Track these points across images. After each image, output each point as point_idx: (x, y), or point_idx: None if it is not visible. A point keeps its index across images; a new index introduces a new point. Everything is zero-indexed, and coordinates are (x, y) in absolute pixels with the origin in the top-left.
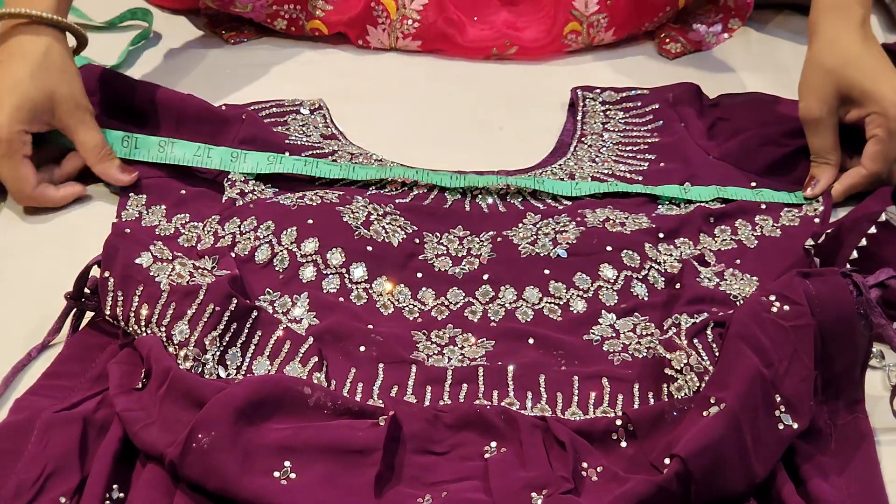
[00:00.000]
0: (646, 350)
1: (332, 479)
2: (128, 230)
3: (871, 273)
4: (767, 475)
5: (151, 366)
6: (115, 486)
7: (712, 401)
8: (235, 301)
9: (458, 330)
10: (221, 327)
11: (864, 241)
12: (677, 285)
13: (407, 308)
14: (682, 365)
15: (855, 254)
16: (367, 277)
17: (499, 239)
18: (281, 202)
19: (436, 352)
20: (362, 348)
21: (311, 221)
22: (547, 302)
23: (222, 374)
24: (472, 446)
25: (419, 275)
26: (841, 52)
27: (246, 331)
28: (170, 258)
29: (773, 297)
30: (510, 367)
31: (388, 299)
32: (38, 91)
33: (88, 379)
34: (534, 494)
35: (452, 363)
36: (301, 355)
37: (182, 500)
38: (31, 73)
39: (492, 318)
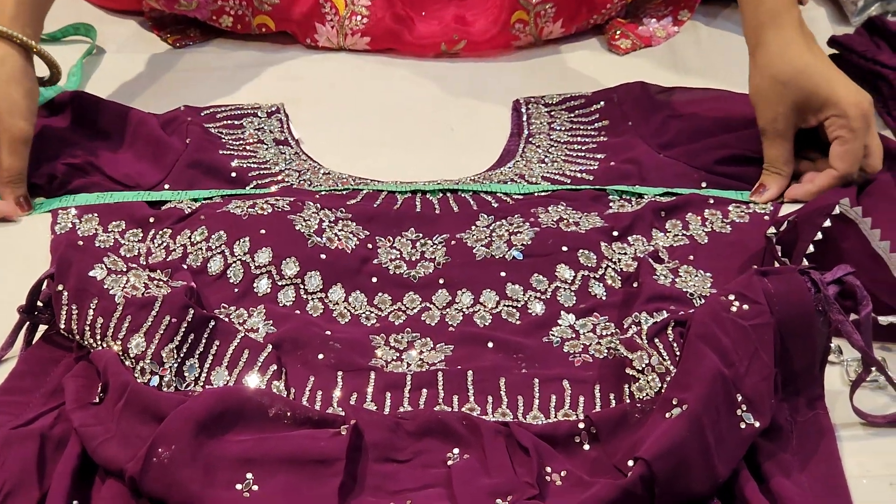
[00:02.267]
0: (606, 350)
1: (294, 490)
2: (80, 242)
3: (828, 268)
4: (730, 474)
5: (108, 380)
6: (75, 502)
7: (674, 402)
8: (192, 311)
9: (416, 334)
10: (178, 339)
11: (819, 235)
12: (635, 284)
13: (364, 315)
14: (644, 365)
15: (811, 247)
16: (322, 286)
17: (452, 242)
18: (231, 211)
19: (395, 357)
20: (321, 356)
21: (263, 231)
22: (504, 305)
23: (181, 386)
24: (434, 453)
25: (374, 279)
26: (792, 63)
27: (203, 341)
28: (124, 270)
29: (732, 297)
30: (469, 372)
31: (345, 308)
32: None
33: (44, 394)
34: (499, 501)
35: (412, 368)
36: (260, 364)
37: None
38: None
39: (449, 322)
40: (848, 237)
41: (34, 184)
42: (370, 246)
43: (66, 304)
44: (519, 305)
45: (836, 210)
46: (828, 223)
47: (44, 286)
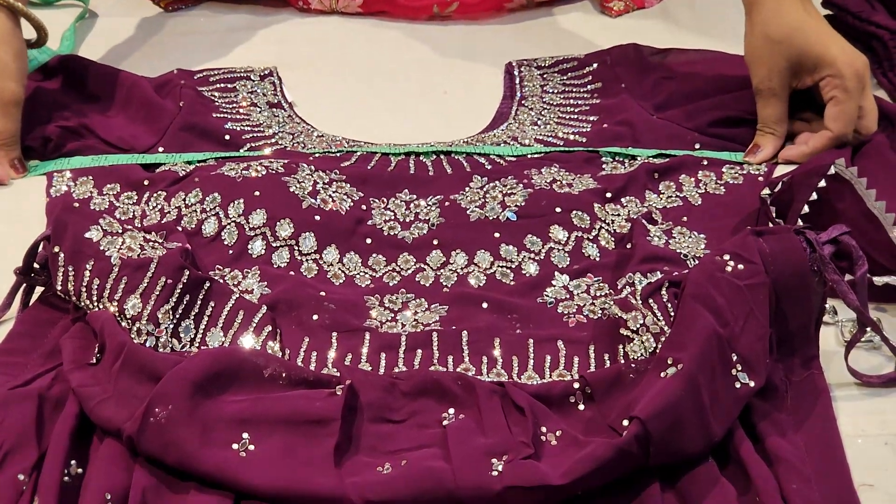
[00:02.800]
0: (600, 311)
1: (290, 450)
2: (76, 204)
3: (823, 228)
4: (725, 434)
5: (105, 341)
6: (73, 462)
7: (669, 362)
8: (187, 273)
9: (411, 295)
10: (174, 300)
11: (814, 195)
12: (628, 245)
13: (358, 276)
14: (638, 325)
15: (806, 208)
16: (316, 248)
17: (446, 203)
18: (226, 174)
19: (389, 318)
20: (315, 317)
21: (257, 193)
22: (499, 266)
23: (177, 346)
24: (429, 413)
25: (368, 241)
26: (787, 21)
27: (199, 302)
28: (119, 231)
29: (727, 257)
30: (464, 332)
31: (339, 269)
32: None
33: (41, 354)
34: (494, 460)
35: (406, 329)
36: (255, 325)
37: (141, 474)
38: None
39: (444, 283)
40: (843, 197)
41: (28, 146)
42: (364, 207)
43: (62, 266)
44: (513, 266)
45: (832, 170)
46: (823, 183)
47: (40, 248)
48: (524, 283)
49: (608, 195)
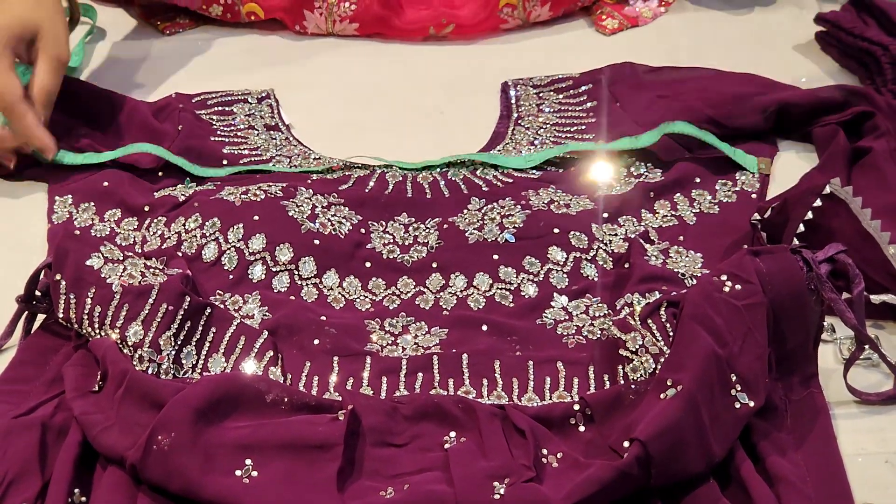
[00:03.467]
0: (599, 331)
1: (293, 476)
2: (77, 232)
3: (819, 247)
4: (726, 454)
5: (107, 368)
6: (76, 491)
7: (669, 383)
8: (188, 299)
9: (411, 318)
10: (175, 326)
11: (809, 214)
12: (626, 265)
13: (358, 300)
14: (637, 346)
15: (801, 227)
16: (316, 272)
17: (445, 226)
18: (224, 198)
19: (390, 342)
20: (316, 341)
21: (257, 217)
22: (498, 288)
23: (179, 373)
24: (431, 437)
25: (368, 264)
26: None
27: (200, 328)
28: (120, 258)
29: (724, 277)
30: (464, 355)
31: (339, 293)
32: (28, 18)
33: (44, 382)
34: (496, 484)
35: (407, 353)
36: (256, 350)
37: (144, 502)
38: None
39: (444, 306)
40: (838, 216)
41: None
42: (363, 231)
43: (63, 294)
44: (512, 288)
45: (827, 189)
46: (818, 203)
47: (41, 276)
48: (523, 304)
49: (605, 215)
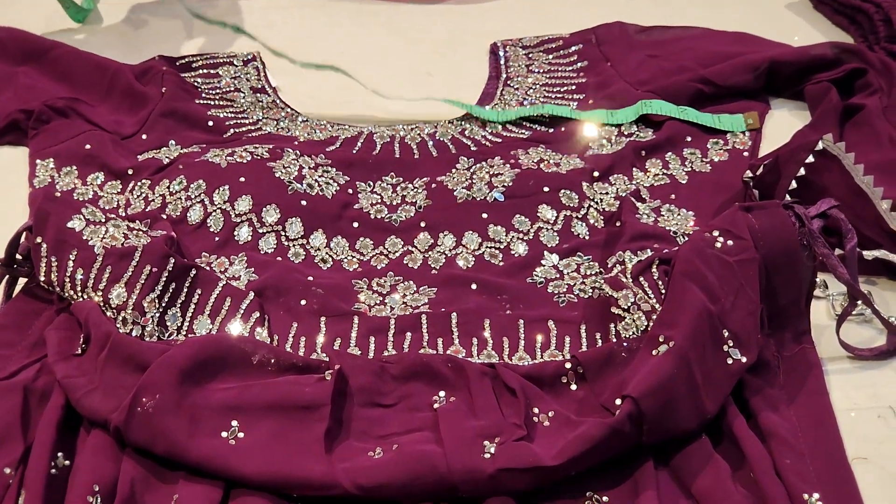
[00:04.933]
0: (591, 290)
1: (280, 437)
2: (58, 194)
3: (811, 203)
4: (718, 410)
5: (90, 331)
6: (60, 454)
7: (661, 339)
8: (173, 260)
9: (399, 278)
10: (160, 288)
11: (802, 171)
12: (617, 223)
13: (346, 260)
14: (629, 304)
15: (794, 184)
16: (303, 233)
17: (433, 185)
18: (210, 160)
19: (378, 301)
20: (303, 302)
21: (243, 179)
22: (487, 247)
23: (163, 335)
24: (420, 397)
25: (355, 224)
26: None
27: (185, 290)
28: (102, 220)
29: (716, 233)
30: (453, 314)
31: (327, 253)
32: None
33: (26, 346)
34: (486, 443)
35: (395, 312)
36: (242, 312)
37: (129, 465)
38: None
39: (432, 265)
40: (831, 173)
41: (13, 120)
42: (350, 191)
43: (45, 256)
44: (502, 247)
45: (819, 146)
46: (811, 159)
47: (22, 239)
48: (513, 263)
49: (596, 174)
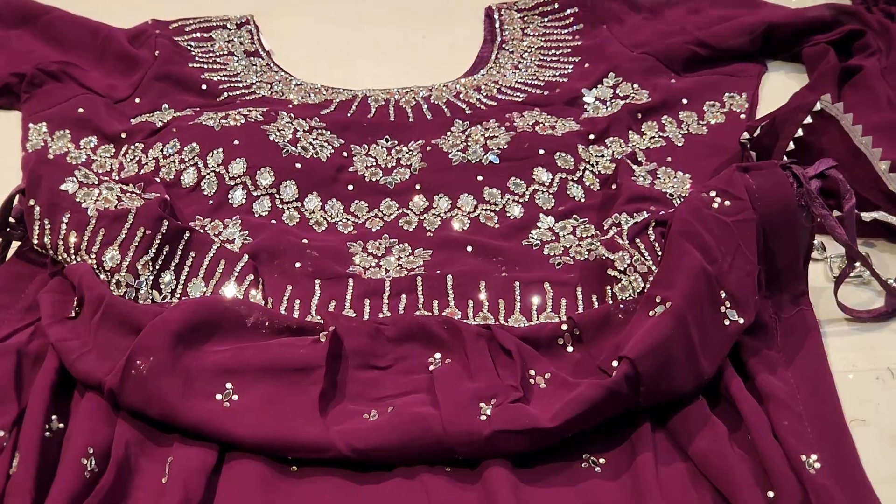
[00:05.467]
0: (587, 252)
1: (275, 399)
2: (51, 157)
3: (809, 164)
4: (715, 372)
5: (84, 294)
6: (54, 417)
7: (658, 300)
8: (166, 223)
9: (394, 240)
10: (153, 251)
11: (799, 132)
12: (613, 185)
13: (340, 222)
14: (626, 265)
15: (791, 145)
16: (297, 196)
17: (428, 148)
18: (204, 123)
19: (373, 264)
20: (298, 264)
21: (237, 142)
22: (482, 209)
23: (157, 298)
24: (415, 359)
25: (350, 187)
26: None
27: (179, 253)
28: (96, 183)
29: (713, 193)
30: (449, 276)
31: (321, 216)
32: None
33: (19, 310)
34: (482, 405)
35: (390, 274)
36: (236, 274)
37: (123, 428)
38: None
39: (427, 228)
40: (829, 134)
41: (6, 84)
42: (345, 154)
43: (38, 219)
44: (497, 209)
45: (817, 106)
46: (809, 120)
47: (15, 202)
48: (509, 225)
49: (591, 137)
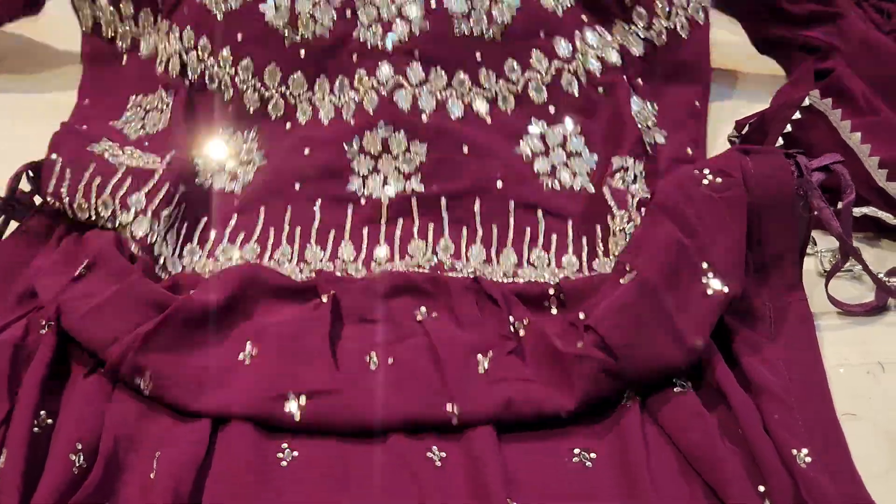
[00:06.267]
0: (579, 186)
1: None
2: (78, 126)
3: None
4: (705, 345)
5: (103, 261)
6: (42, 413)
7: (627, 268)
8: (183, 189)
9: (390, 127)
10: (173, 208)
11: (788, 128)
12: (600, 89)
13: (345, 106)
14: (625, 225)
15: (780, 140)
16: (307, 85)
17: (433, 3)
18: (209, 8)
19: (370, 167)
20: (297, 185)
21: (240, 37)
22: (476, 93)
23: (165, 251)
24: (404, 311)
25: (354, 57)
26: None
27: (189, 217)
28: (120, 152)
29: (706, 170)
30: (443, 199)
31: (330, 101)
32: None
33: (13, 297)
34: (479, 357)
35: (388, 188)
36: (236, 238)
37: (112, 422)
38: None
39: (422, 108)
40: (817, 128)
41: None
42: (349, 13)
43: (58, 170)
44: (490, 97)
45: (806, 102)
46: (798, 115)
47: (22, 182)
48: (502, 122)
49: (584, 18)
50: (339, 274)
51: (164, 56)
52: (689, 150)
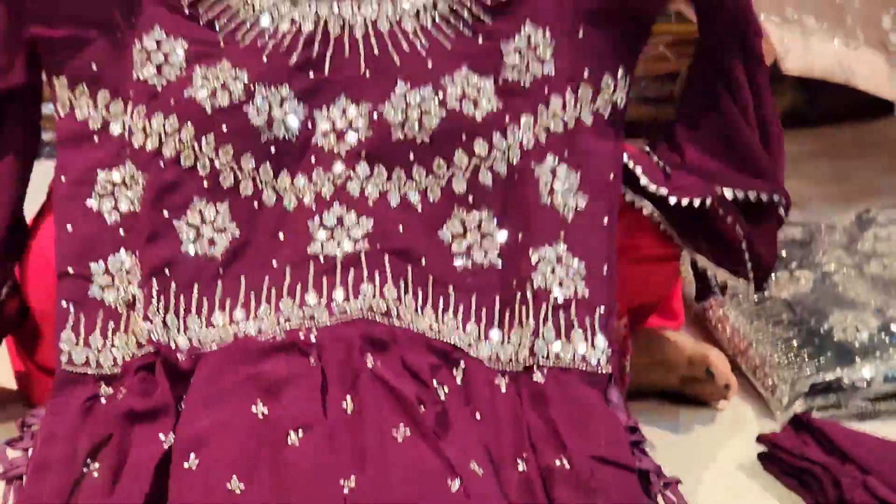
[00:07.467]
0: (488, 262)
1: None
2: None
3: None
4: None
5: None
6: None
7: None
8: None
9: (344, 206)
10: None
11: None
12: (515, 176)
13: (307, 197)
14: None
15: None
16: (273, 174)
17: (374, 115)
18: (197, 101)
19: (327, 236)
20: (274, 262)
21: (225, 128)
22: (409, 186)
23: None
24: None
25: (313, 159)
26: None
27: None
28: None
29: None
30: (385, 255)
31: (292, 193)
32: None
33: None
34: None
35: (342, 248)
36: (217, 302)
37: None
38: None
39: (368, 195)
40: None
41: None
42: (310, 126)
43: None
44: (421, 189)
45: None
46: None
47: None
48: (429, 211)
49: (507, 118)
50: (306, 322)
51: (140, 135)
52: (606, 219)
